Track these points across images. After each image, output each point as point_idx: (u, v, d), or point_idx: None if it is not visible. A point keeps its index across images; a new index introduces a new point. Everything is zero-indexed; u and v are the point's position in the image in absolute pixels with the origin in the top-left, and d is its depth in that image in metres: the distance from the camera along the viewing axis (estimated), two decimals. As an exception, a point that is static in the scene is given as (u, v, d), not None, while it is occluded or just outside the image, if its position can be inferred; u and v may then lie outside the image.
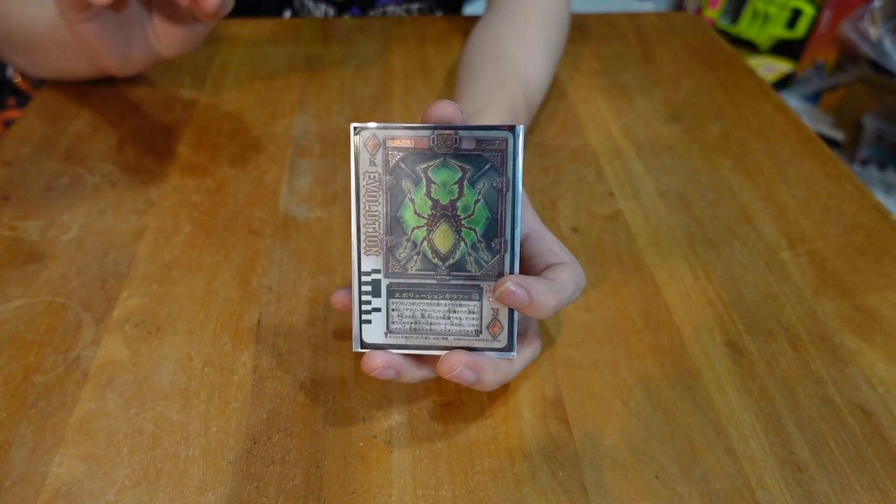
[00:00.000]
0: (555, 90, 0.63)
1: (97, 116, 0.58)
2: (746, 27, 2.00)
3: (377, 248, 0.32)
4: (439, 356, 0.32)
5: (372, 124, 0.31)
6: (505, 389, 0.37)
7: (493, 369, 0.31)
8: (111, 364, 0.37)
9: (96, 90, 0.61)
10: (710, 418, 0.35)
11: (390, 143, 0.31)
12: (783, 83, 1.90)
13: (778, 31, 1.94)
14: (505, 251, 0.31)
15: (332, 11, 0.78)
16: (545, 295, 0.30)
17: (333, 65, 0.66)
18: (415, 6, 0.80)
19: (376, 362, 0.31)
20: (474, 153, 0.31)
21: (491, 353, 0.32)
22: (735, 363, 0.38)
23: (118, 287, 0.42)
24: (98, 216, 0.47)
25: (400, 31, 0.73)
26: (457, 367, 0.30)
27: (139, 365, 0.37)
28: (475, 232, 0.31)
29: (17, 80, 0.78)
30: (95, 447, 0.33)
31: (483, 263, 0.31)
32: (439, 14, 0.84)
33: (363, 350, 0.32)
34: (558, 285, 0.31)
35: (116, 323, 0.40)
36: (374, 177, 0.31)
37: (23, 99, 0.78)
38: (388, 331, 0.32)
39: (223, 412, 0.35)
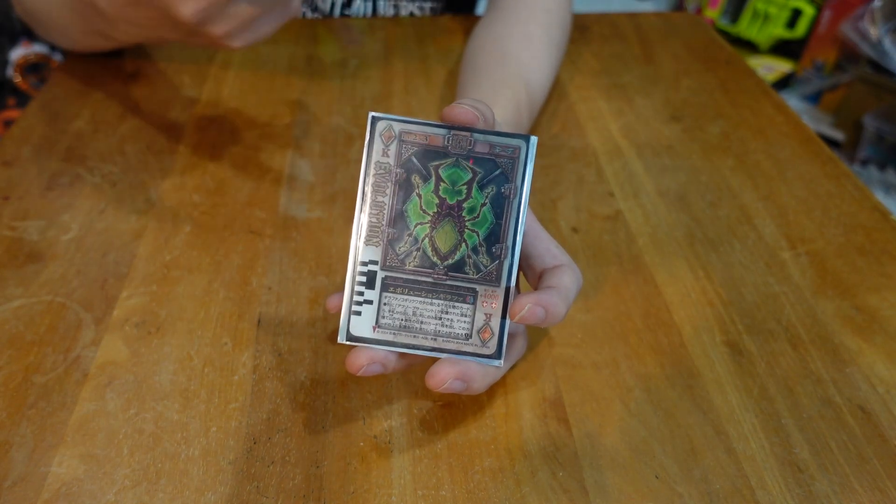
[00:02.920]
0: (555, 90, 0.63)
1: (97, 116, 0.58)
2: (746, 27, 2.00)
3: (378, 239, 0.31)
4: (424, 355, 0.32)
5: (390, 116, 0.31)
6: (505, 389, 0.37)
7: (481, 376, 0.31)
8: (111, 364, 0.37)
9: (97, 90, 0.61)
10: (710, 418, 0.35)
11: (405, 137, 0.31)
12: (783, 83, 1.90)
13: (778, 31, 1.94)
14: (504, 258, 0.31)
15: None
16: (558, 306, 0.30)
17: (333, 65, 0.66)
18: (427, 5, 0.79)
19: (360, 361, 0.30)
20: (487, 157, 0.31)
21: (478, 359, 0.31)
22: (735, 363, 0.38)
23: (118, 287, 0.42)
24: (98, 216, 0.47)
25: (401, 31, 0.73)
26: (447, 380, 0.30)
27: (139, 365, 0.37)
28: (478, 235, 0.31)
29: (17, 80, 0.78)
30: (95, 447, 0.33)
31: (482, 267, 0.31)
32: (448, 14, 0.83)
33: (348, 342, 0.31)
34: (565, 291, 0.31)
35: (116, 323, 0.40)
36: (385, 167, 0.31)
37: (23, 99, 0.78)
38: (377, 325, 0.31)
39: (223, 412, 0.35)
